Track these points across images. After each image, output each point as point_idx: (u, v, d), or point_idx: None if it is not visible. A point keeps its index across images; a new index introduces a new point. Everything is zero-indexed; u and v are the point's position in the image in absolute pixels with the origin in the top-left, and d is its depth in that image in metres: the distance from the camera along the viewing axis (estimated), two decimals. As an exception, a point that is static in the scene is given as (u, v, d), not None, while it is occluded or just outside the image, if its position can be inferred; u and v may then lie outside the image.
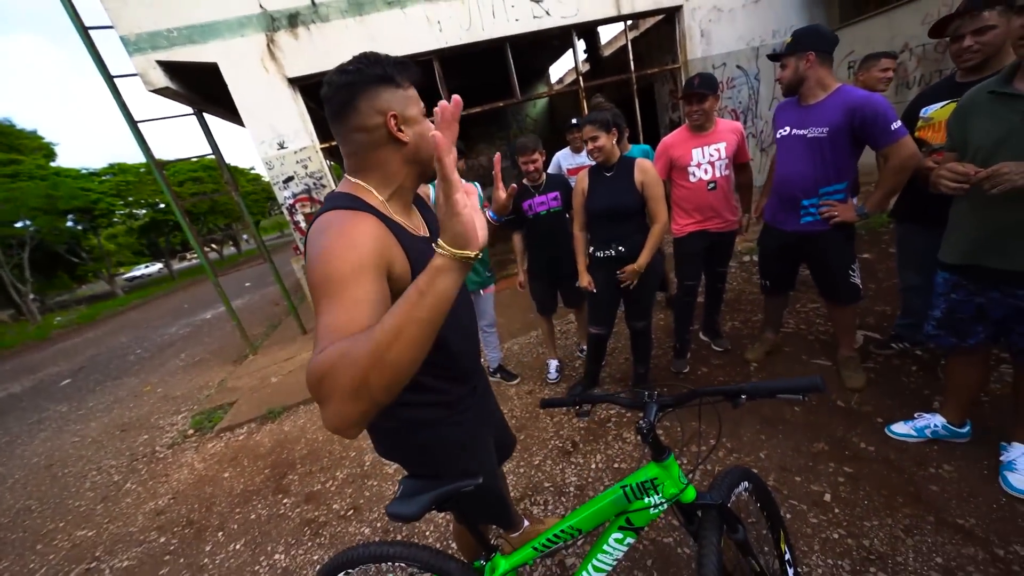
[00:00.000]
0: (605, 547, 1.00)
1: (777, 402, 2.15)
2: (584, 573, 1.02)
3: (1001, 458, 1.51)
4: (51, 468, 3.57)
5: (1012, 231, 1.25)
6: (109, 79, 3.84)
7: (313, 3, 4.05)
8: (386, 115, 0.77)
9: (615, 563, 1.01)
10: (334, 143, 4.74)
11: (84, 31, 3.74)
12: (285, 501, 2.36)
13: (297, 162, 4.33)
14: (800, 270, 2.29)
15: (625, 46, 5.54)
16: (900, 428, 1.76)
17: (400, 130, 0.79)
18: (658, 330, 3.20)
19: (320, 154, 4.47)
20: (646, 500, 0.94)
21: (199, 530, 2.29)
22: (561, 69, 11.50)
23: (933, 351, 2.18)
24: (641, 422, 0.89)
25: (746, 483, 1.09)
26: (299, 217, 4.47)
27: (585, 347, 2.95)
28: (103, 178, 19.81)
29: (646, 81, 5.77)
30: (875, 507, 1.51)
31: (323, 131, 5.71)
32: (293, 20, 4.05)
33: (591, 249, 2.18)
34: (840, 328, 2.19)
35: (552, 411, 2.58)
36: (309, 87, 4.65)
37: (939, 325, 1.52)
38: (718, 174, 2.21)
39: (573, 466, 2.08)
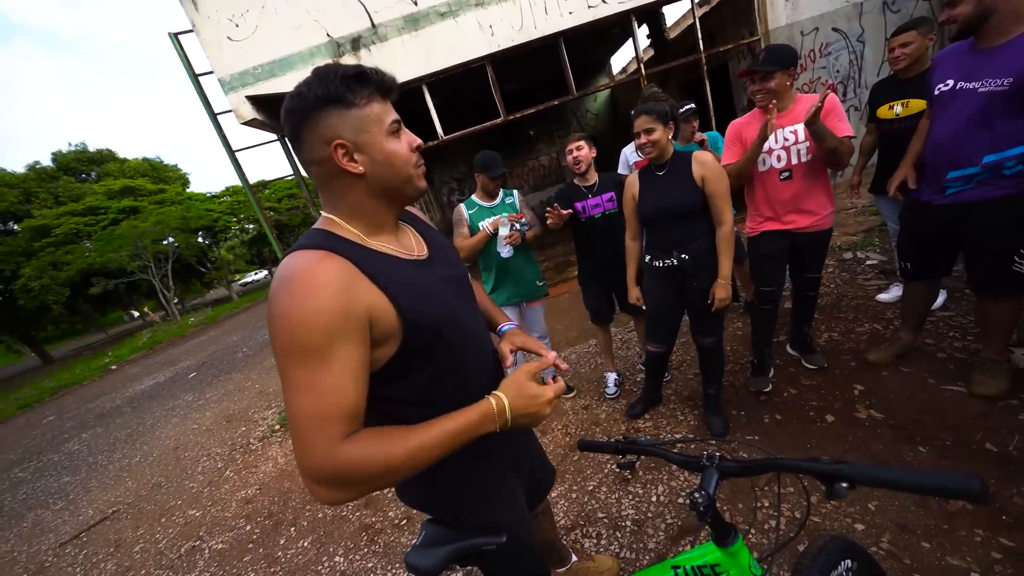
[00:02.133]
0: None
1: (894, 439, 1.74)
2: None
3: None
4: (177, 451, 4.23)
5: None
6: (213, 116, 4.44)
7: (373, 25, 4.28)
8: (332, 145, 0.67)
9: None
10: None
11: (196, 78, 4.37)
12: (349, 504, 2.49)
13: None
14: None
15: (693, 24, 5.03)
16: (1091, 489, 1.29)
17: (353, 160, 0.69)
18: (735, 341, 2.82)
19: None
20: None
21: (276, 523, 2.51)
22: (624, 58, 10.93)
23: None
24: (697, 495, 0.68)
25: (848, 562, 0.83)
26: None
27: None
28: (221, 200, 23.48)
29: (718, 61, 5.17)
30: (1051, 600, 1.12)
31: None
32: (356, 44, 4.31)
33: (647, 258, 1.95)
34: (989, 327, 1.73)
35: (609, 428, 2.38)
36: (373, 105, 4.94)
37: None
38: (794, 160, 1.86)
39: (631, 496, 1.88)
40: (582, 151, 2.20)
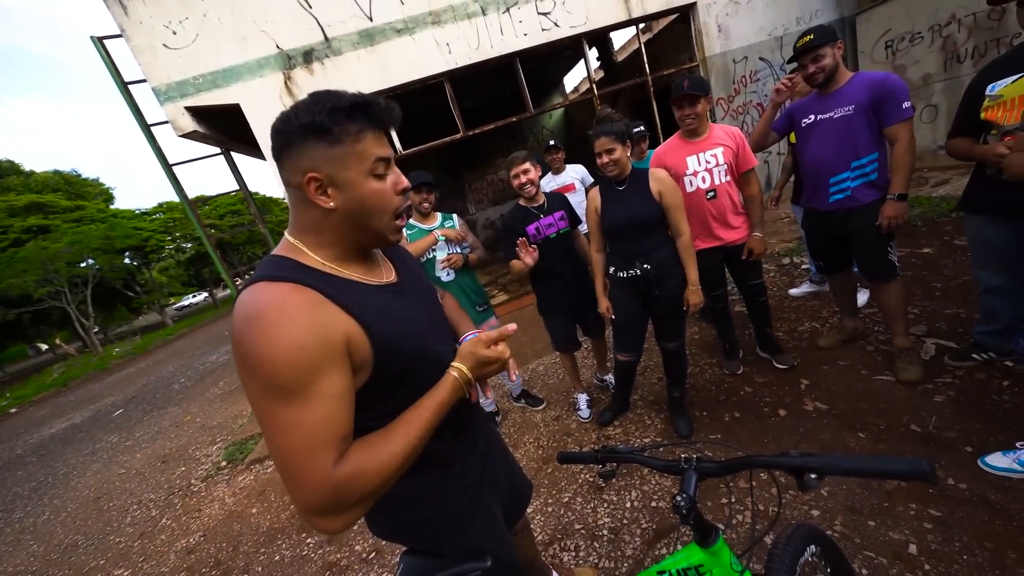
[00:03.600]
0: None
1: (837, 426, 1.90)
2: None
3: None
4: (99, 501, 3.71)
5: None
6: (146, 128, 4.09)
7: (326, 38, 4.18)
8: (304, 176, 0.65)
9: None
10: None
11: (124, 87, 4.02)
12: (308, 541, 2.30)
13: (317, 192, 4.41)
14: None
15: (639, 49, 5.39)
16: (998, 460, 1.48)
17: (325, 194, 0.66)
18: (692, 344, 2.97)
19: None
20: None
21: (225, 572, 2.26)
22: (576, 78, 11.45)
23: (1028, 362, 1.86)
24: (679, 498, 0.70)
25: (813, 547, 0.90)
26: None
27: (604, 377, 2.76)
28: (153, 217, 21.49)
29: (663, 83, 5.57)
30: (979, 564, 1.25)
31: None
32: (308, 57, 4.18)
33: (611, 270, 2.02)
34: (889, 313, 2.04)
35: (581, 437, 2.40)
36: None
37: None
38: (717, 181, 2.07)
39: (606, 504, 1.89)
40: (529, 174, 2.13)
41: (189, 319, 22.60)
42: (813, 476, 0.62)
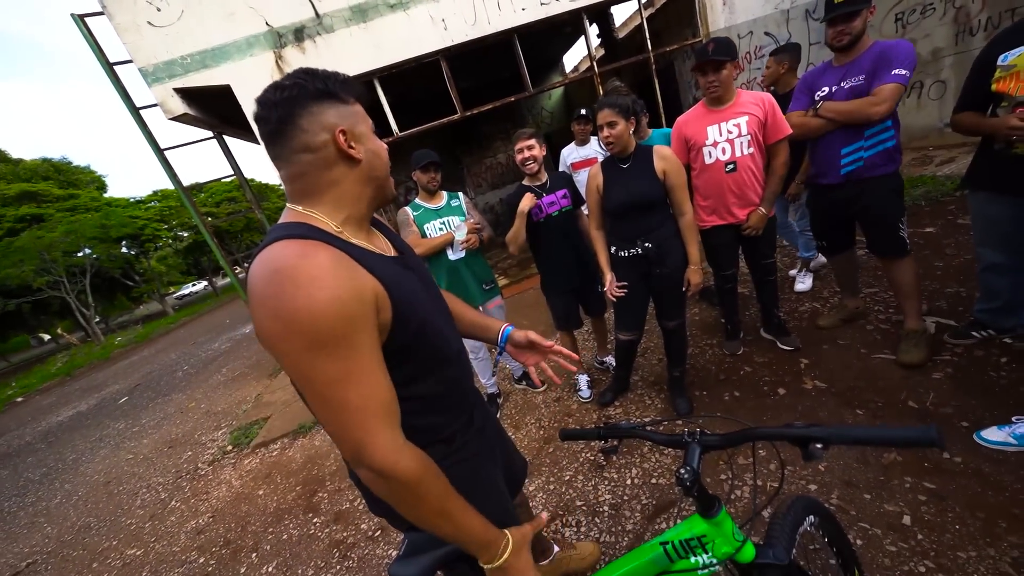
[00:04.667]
0: None
1: (836, 404, 1.92)
2: None
3: None
4: (108, 485, 3.78)
5: None
6: (135, 111, 4.00)
7: (317, 15, 4.05)
8: (334, 131, 0.70)
9: None
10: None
11: (110, 67, 3.91)
12: (315, 520, 2.35)
13: (313, 176, 4.35)
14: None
15: (641, 25, 5.23)
16: (993, 435, 1.50)
17: (351, 147, 0.71)
18: (693, 326, 2.97)
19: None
20: (692, 560, 0.78)
21: (235, 551, 2.32)
22: (576, 57, 11.17)
23: (1027, 339, 1.86)
24: (682, 470, 0.70)
25: (812, 517, 0.92)
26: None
27: (604, 359, 2.78)
28: (148, 205, 21.25)
29: (665, 60, 5.44)
30: (970, 534, 1.28)
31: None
32: (299, 34, 4.06)
33: (612, 249, 2.00)
34: (901, 293, 1.99)
35: (582, 418, 2.43)
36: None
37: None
38: (738, 153, 1.96)
39: (607, 482, 1.93)
40: (533, 150, 2.13)
41: (190, 308, 22.66)
42: (819, 446, 0.62)
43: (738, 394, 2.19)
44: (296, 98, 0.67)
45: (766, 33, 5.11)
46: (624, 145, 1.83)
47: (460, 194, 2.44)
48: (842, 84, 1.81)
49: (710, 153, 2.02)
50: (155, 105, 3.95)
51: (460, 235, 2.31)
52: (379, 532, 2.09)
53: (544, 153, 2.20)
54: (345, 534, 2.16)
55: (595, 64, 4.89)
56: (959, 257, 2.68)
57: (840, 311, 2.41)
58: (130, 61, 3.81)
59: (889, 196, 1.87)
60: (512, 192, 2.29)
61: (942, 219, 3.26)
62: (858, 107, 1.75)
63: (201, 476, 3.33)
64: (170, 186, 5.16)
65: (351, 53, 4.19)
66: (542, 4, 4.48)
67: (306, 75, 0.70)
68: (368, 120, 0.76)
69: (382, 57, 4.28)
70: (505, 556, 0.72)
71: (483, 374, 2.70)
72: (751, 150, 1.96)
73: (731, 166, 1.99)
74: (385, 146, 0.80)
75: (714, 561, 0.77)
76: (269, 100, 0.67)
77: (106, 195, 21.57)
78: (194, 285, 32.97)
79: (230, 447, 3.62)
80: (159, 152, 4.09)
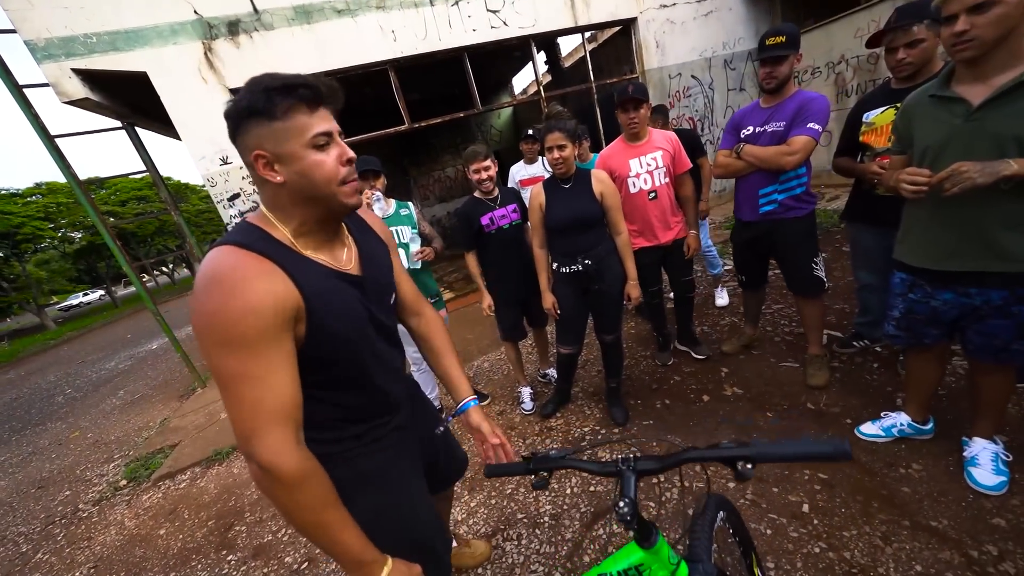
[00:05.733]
0: None
1: (750, 408, 2.13)
2: None
3: (964, 454, 1.52)
4: (-53, 540, 3.05)
5: (962, 231, 1.26)
6: (15, 89, 3.43)
7: (255, 10, 3.82)
8: (251, 155, 0.72)
9: None
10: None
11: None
12: (230, 558, 2.09)
13: (244, 178, 4.03)
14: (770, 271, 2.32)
15: (584, 57, 5.62)
16: (868, 429, 1.76)
17: (272, 169, 0.72)
18: (628, 339, 3.16)
19: (269, 169, 4.19)
20: None
21: (124, 604, 1.98)
22: (525, 80, 11.63)
23: (892, 348, 2.23)
24: (621, 503, 0.67)
25: (722, 513, 1.00)
26: (247, 236, 4.15)
27: (547, 372, 2.85)
28: (28, 199, 18.10)
29: (606, 91, 5.87)
30: (852, 515, 1.48)
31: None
32: (233, 28, 3.80)
33: (555, 265, 2.08)
34: (807, 324, 2.20)
35: (524, 430, 2.45)
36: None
37: (898, 326, 1.52)
38: (658, 183, 2.19)
39: (548, 493, 1.95)
40: (490, 171, 2.20)
41: (78, 321, 19.38)
42: (749, 466, 0.63)
43: (668, 402, 2.35)
44: (230, 116, 0.71)
45: (692, 76, 5.74)
46: (570, 167, 1.94)
47: (410, 203, 2.41)
48: (765, 127, 1.94)
49: (633, 183, 2.22)
50: (45, 85, 3.43)
51: (414, 245, 2.29)
52: (306, 564, 1.91)
53: (496, 169, 2.27)
54: (266, 570, 1.94)
55: (542, 89, 5.14)
56: (844, 279, 3.15)
57: (742, 338, 2.61)
58: (12, 31, 3.29)
59: (801, 237, 2.01)
60: (464, 202, 2.33)
61: (831, 246, 3.83)
62: (773, 155, 1.89)
63: (82, 519, 2.81)
64: (61, 178, 4.46)
65: (291, 53, 4.00)
66: (492, 27, 4.65)
67: (243, 89, 0.70)
68: (307, 132, 0.71)
69: (326, 61, 4.14)
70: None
71: (425, 387, 2.62)
72: (666, 180, 2.22)
73: (653, 194, 2.21)
74: (329, 158, 0.74)
75: None
76: (223, 114, 0.73)
77: (-30, 185, 18.01)
78: (86, 295, 28.45)
79: (124, 482, 3.11)
80: (47, 139, 3.54)
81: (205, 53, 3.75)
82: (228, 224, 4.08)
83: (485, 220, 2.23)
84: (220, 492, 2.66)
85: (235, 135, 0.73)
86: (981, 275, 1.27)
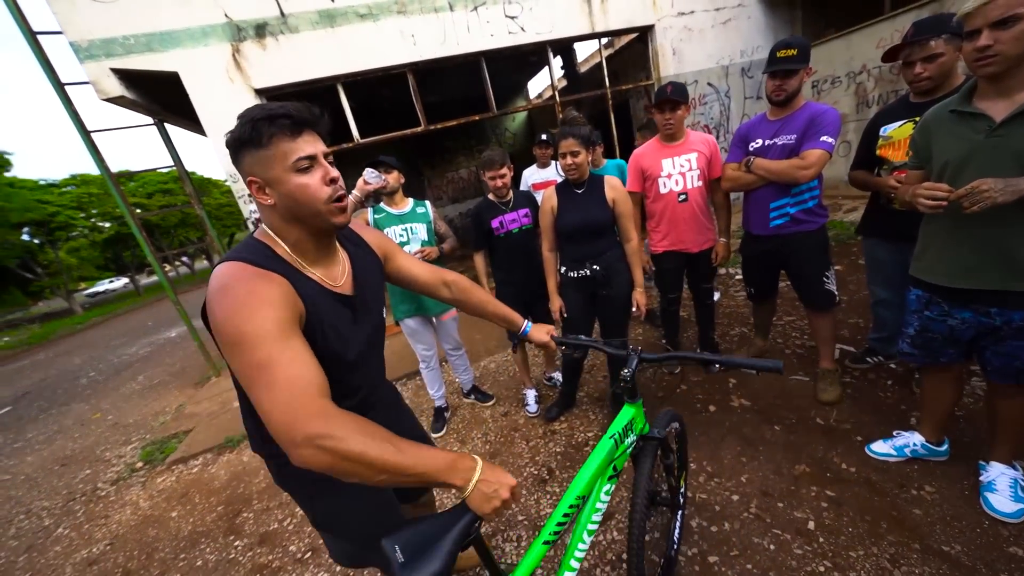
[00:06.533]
0: (598, 503, 1.10)
1: (757, 422, 2.10)
2: (581, 536, 1.07)
3: (980, 478, 1.48)
4: (-27, 512, 3.19)
5: (983, 249, 1.23)
6: (59, 86, 3.61)
7: (282, 13, 3.95)
8: (246, 179, 0.80)
9: (601, 517, 1.13)
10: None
11: (32, 36, 3.53)
12: (237, 543, 2.14)
13: (264, 175, 4.15)
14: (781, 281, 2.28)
15: (600, 63, 5.63)
16: (880, 447, 1.72)
17: (264, 193, 0.80)
18: (637, 344, 3.14)
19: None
20: (626, 441, 1.15)
21: (135, 582, 2.05)
22: (540, 84, 11.68)
23: (908, 366, 2.17)
24: (625, 371, 1.15)
25: (676, 424, 1.41)
26: (266, 232, 4.27)
27: (552, 375, 2.86)
28: (63, 190, 18.89)
29: (622, 97, 5.87)
30: (859, 535, 1.45)
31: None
32: (260, 30, 3.93)
33: (563, 269, 2.10)
34: (819, 338, 2.16)
35: (528, 432, 2.45)
36: (280, 97, 4.51)
37: (913, 343, 1.49)
38: (689, 185, 2.15)
39: (549, 496, 1.96)
40: (505, 178, 2.21)
41: (104, 307, 20.10)
42: (717, 367, 0.89)
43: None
44: (230, 145, 0.79)
45: (708, 83, 5.70)
46: (583, 172, 1.95)
47: (427, 202, 2.45)
48: (776, 140, 1.90)
49: (664, 184, 2.18)
50: (86, 83, 3.61)
51: (415, 245, 2.31)
52: (309, 554, 1.95)
53: (511, 173, 2.28)
54: (271, 557, 1.99)
55: (557, 93, 5.17)
56: (859, 292, 3.08)
57: (752, 348, 2.58)
58: (59, 32, 3.47)
59: (813, 251, 1.98)
60: (477, 204, 2.36)
61: (847, 259, 3.75)
62: (787, 168, 1.84)
63: (101, 498, 2.92)
64: (93, 171, 4.66)
65: (315, 56, 4.11)
66: (510, 33, 4.70)
67: (238, 120, 0.77)
68: (290, 157, 0.77)
69: (348, 63, 4.24)
70: (478, 472, 0.73)
71: (431, 386, 2.66)
72: (699, 183, 2.15)
73: (683, 196, 2.16)
74: (312, 180, 0.79)
75: (634, 437, 1.20)
76: (225, 144, 0.81)
77: (8, 174, 18.91)
78: (112, 282, 29.47)
79: (140, 464, 3.23)
80: (85, 134, 3.71)
81: (233, 54, 3.89)
82: (248, 219, 4.20)
83: (495, 223, 2.26)
84: (230, 479, 2.74)
85: (235, 163, 0.81)
86: (1003, 294, 1.24)
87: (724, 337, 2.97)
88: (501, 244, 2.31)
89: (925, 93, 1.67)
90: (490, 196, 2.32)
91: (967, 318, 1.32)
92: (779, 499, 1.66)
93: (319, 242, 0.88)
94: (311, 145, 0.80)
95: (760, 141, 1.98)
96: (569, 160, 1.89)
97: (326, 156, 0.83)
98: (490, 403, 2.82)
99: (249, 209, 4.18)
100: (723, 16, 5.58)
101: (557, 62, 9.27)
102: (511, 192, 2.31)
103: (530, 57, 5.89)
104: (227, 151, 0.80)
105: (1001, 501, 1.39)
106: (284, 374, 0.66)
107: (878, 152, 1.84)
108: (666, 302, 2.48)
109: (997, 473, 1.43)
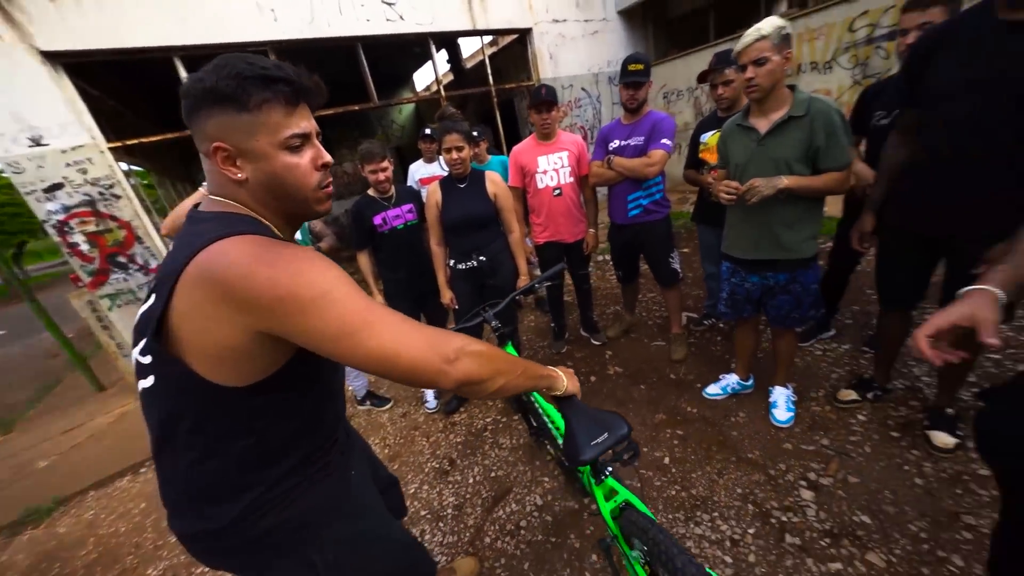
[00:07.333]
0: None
1: (628, 385, 2.44)
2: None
3: (769, 399, 1.98)
4: None
5: (760, 230, 1.64)
6: None
7: (80, -41, 3.12)
8: (210, 144, 0.65)
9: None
10: (132, 141, 3.74)
11: None
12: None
13: (67, 165, 3.26)
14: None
15: (483, 61, 5.76)
16: (712, 389, 2.17)
17: (234, 165, 0.66)
18: (528, 331, 3.36)
19: (109, 155, 3.46)
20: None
21: None
22: (428, 77, 11.43)
23: (728, 323, 2.75)
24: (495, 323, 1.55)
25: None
26: (77, 238, 3.36)
27: None
28: None
29: (506, 95, 6.10)
30: (699, 460, 1.81)
31: (115, 125, 4.52)
32: (49, -23, 3.04)
33: (452, 262, 2.14)
34: (669, 309, 2.61)
35: (428, 428, 2.45)
36: (88, 67, 3.58)
37: (726, 304, 1.91)
38: (562, 181, 2.38)
39: (451, 485, 1.99)
40: (386, 171, 2.14)
41: None
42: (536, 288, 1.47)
43: (563, 385, 2.57)
44: (189, 95, 0.64)
45: (582, 89, 6.28)
46: (467, 167, 2.01)
47: None
48: (629, 141, 2.22)
49: (541, 179, 2.38)
50: None
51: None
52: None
53: (392, 167, 2.21)
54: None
55: (442, 88, 5.14)
56: (699, 270, 3.78)
57: (622, 323, 3.00)
58: None
59: (660, 237, 2.36)
60: (357, 200, 2.24)
61: (692, 243, 4.54)
62: (638, 165, 2.17)
63: None
64: None
65: (141, 19, 3.37)
66: (388, 20, 4.50)
67: (209, 69, 0.63)
68: (281, 131, 0.66)
69: (189, 34, 3.58)
70: (566, 380, 0.95)
71: (351, 377, 2.57)
72: (571, 179, 2.39)
73: (558, 191, 2.39)
74: (303, 161, 0.69)
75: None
76: (180, 92, 0.65)
77: None
78: None
79: None
80: None
81: (2, 3, 2.94)
82: (46, 219, 3.26)
83: (378, 220, 2.18)
84: (36, 562, 2.13)
85: (190, 116, 0.65)
86: (773, 262, 1.66)
87: (602, 316, 3.36)
88: (386, 241, 2.24)
89: (726, 110, 2.12)
90: (371, 192, 2.22)
91: (755, 281, 1.74)
92: (644, 444, 1.97)
93: (290, 230, 0.77)
94: (305, 121, 0.69)
95: (617, 142, 2.29)
96: (455, 155, 1.93)
97: (318, 134, 0.72)
98: (387, 407, 2.73)
99: (46, 209, 3.24)
100: (592, 28, 6.18)
101: (442, 56, 9.17)
102: (393, 187, 2.25)
103: (413, 48, 5.74)
104: (184, 100, 0.64)
105: (780, 413, 1.88)
106: (387, 314, 0.65)
107: (700, 155, 2.28)
108: (549, 289, 2.70)
109: (778, 394, 1.93)
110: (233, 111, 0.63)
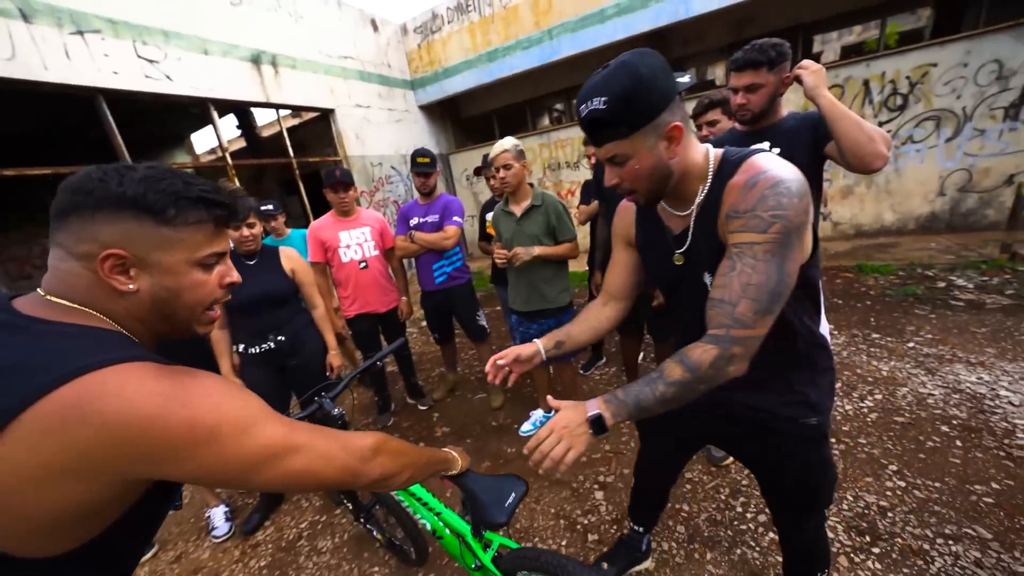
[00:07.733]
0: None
1: (455, 440, 2.55)
2: None
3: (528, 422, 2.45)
4: None
5: (528, 287, 2.13)
6: None
7: None
8: (100, 249, 0.54)
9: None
10: None
11: None
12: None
13: None
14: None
15: (281, 132, 5.53)
16: (525, 427, 2.49)
17: (125, 274, 0.57)
18: (350, 410, 3.12)
19: None
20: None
21: None
22: (212, 140, 9.98)
23: (533, 366, 3.25)
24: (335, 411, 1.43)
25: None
26: None
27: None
28: None
29: (311, 168, 5.92)
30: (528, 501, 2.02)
31: None
32: None
33: (241, 347, 1.88)
34: (484, 362, 2.88)
35: (219, 563, 1.90)
36: None
37: (519, 349, 2.32)
38: (367, 254, 2.50)
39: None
40: (255, 228, 1.88)
41: None
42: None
43: (391, 459, 2.46)
44: (86, 192, 0.54)
45: (392, 167, 6.72)
46: (258, 244, 1.89)
47: None
48: (427, 219, 2.55)
49: (344, 253, 2.43)
50: None
51: None
52: None
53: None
54: None
55: (228, 156, 4.64)
56: (505, 326, 4.37)
57: (446, 383, 3.17)
58: None
59: (465, 298, 2.71)
60: None
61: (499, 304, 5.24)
62: (437, 239, 2.49)
63: None
64: None
65: None
66: (148, 77, 3.90)
67: (124, 175, 0.55)
68: (200, 250, 0.61)
69: None
70: (460, 461, 1.03)
71: None
72: (376, 252, 2.52)
73: (364, 264, 2.47)
74: (211, 279, 0.64)
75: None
76: (66, 185, 0.55)
77: None
78: None
79: None
80: None
81: None
82: None
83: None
84: None
85: (74, 212, 0.54)
86: (542, 311, 2.15)
87: (428, 380, 3.44)
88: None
89: (500, 196, 2.71)
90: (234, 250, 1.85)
91: (535, 328, 2.20)
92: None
93: (154, 348, 0.65)
94: (222, 242, 0.65)
95: (416, 219, 2.59)
96: (248, 232, 1.80)
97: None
98: (148, 556, 1.99)
99: None
100: (395, 116, 6.82)
101: (232, 121, 8.30)
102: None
103: (190, 109, 5.03)
104: (69, 195, 0.55)
105: (527, 427, 2.40)
106: (307, 432, 0.62)
107: (487, 230, 2.80)
108: (365, 360, 2.65)
109: (536, 416, 2.43)
110: (151, 223, 0.57)
